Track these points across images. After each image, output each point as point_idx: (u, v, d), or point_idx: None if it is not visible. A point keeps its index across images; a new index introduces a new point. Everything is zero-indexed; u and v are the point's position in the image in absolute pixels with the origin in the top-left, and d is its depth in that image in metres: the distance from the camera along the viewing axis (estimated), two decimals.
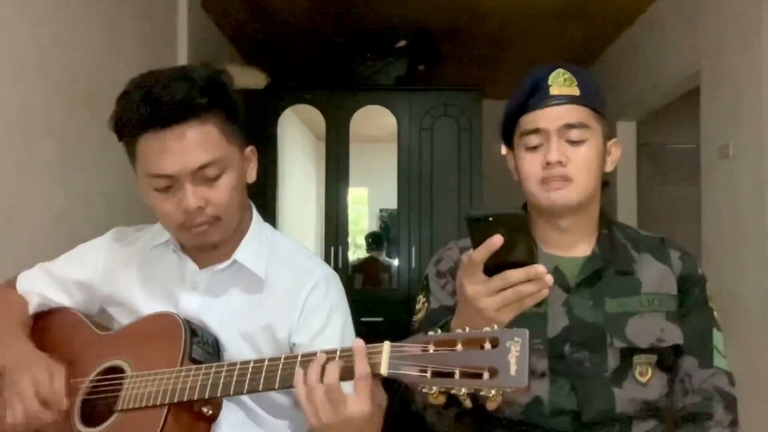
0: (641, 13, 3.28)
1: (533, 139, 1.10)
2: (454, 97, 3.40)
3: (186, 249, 1.14)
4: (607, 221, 1.18)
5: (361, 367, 0.83)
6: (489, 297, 0.84)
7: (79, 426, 1.04)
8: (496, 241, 0.81)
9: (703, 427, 1.07)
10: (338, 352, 0.87)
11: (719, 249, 2.58)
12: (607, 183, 1.16)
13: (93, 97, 2.10)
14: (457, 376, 0.75)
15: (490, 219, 0.81)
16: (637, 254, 1.15)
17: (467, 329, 0.78)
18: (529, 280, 0.82)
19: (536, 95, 1.09)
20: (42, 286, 1.21)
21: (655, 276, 1.13)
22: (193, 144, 0.99)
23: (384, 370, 0.81)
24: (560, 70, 1.10)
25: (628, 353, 1.08)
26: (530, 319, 1.07)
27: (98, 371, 1.08)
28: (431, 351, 0.78)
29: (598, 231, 1.17)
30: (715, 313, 1.16)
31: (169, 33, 2.85)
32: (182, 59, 2.91)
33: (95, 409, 1.06)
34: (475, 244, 0.83)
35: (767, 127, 2.25)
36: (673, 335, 1.10)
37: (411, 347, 0.80)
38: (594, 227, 1.17)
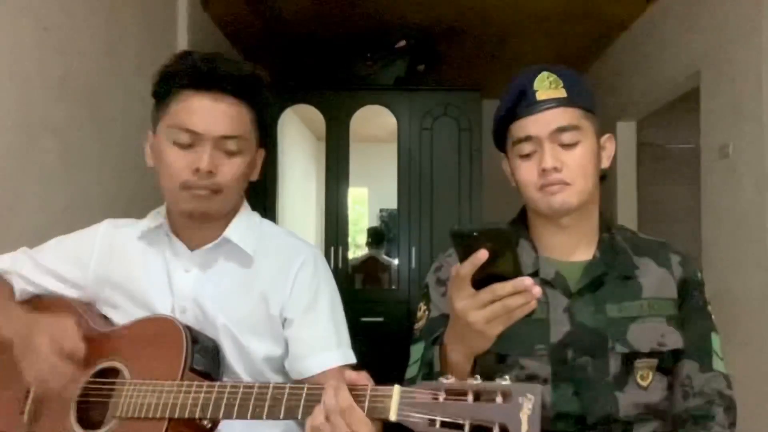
0: (641, 13, 3.28)
1: (526, 147, 1.09)
2: (454, 97, 3.41)
3: (178, 232, 1.16)
4: (606, 224, 1.18)
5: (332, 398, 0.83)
6: (478, 310, 0.84)
7: (76, 428, 1.03)
8: (481, 255, 0.81)
9: (704, 429, 1.08)
10: (368, 391, 0.86)
11: (719, 249, 2.58)
12: (604, 176, 1.16)
13: (93, 97, 2.10)
14: (467, 429, 0.74)
15: (475, 234, 0.82)
16: (638, 258, 1.15)
17: (478, 378, 0.77)
18: (517, 293, 0.82)
19: (523, 102, 1.08)
20: (33, 275, 1.20)
21: (656, 280, 1.13)
22: (228, 114, 1.08)
23: (393, 416, 0.80)
24: (545, 73, 1.09)
25: (630, 358, 1.08)
26: (532, 325, 1.07)
27: (94, 372, 1.07)
28: (441, 399, 0.77)
29: (599, 234, 1.16)
30: (713, 317, 1.16)
31: (169, 33, 2.85)
32: None
33: (90, 411, 1.05)
34: (461, 259, 0.83)
35: (767, 127, 2.25)
36: (674, 340, 1.11)
37: (421, 393, 0.79)
38: (594, 230, 1.16)
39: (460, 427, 0.75)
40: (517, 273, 0.82)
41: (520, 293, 0.82)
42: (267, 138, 1.19)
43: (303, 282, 1.15)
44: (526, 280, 0.82)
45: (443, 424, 0.76)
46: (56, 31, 1.92)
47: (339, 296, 1.21)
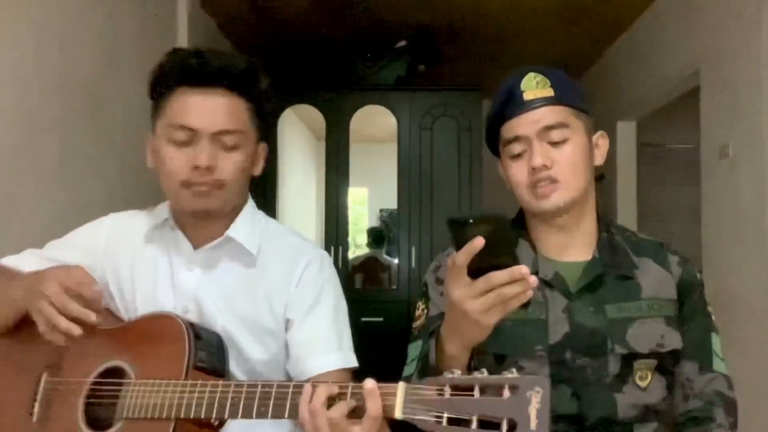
0: (641, 13, 3.28)
1: (515, 147, 1.10)
2: (454, 97, 3.41)
3: (183, 227, 1.15)
4: (605, 224, 1.18)
5: (373, 407, 0.81)
6: (474, 299, 0.83)
7: (84, 429, 1.03)
8: (477, 243, 0.80)
9: (705, 430, 1.07)
10: (350, 389, 0.85)
11: (719, 249, 2.58)
12: (602, 176, 1.15)
13: (93, 97, 2.10)
14: (474, 425, 0.72)
15: (470, 221, 0.80)
16: (637, 258, 1.14)
17: (484, 372, 0.75)
18: (514, 282, 0.81)
19: (511, 103, 1.09)
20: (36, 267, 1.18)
21: (655, 281, 1.12)
22: (224, 108, 1.07)
23: (399, 414, 0.78)
24: (531, 74, 1.10)
25: (629, 359, 1.08)
26: (531, 326, 1.06)
27: (99, 372, 1.07)
28: (447, 395, 0.75)
29: (597, 234, 1.16)
30: (713, 317, 1.16)
31: (169, 33, 2.85)
32: None
33: (98, 412, 1.04)
34: (457, 247, 0.82)
35: (767, 127, 2.25)
36: (673, 340, 1.10)
37: (426, 389, 0.77)
38: (592, 229, 1.16)
39: (467, 423, 0.72)
40: (513, 262, 0.81)
41: (517, 282, 0.81)
42: (268, 131, 1.17)
43: (307, 281, 1.14)
44: (522, 269, 0.80)
45: (450, 421, 0.73)
46: (56, 31, 1.92)
47: (344, 299, 1.19)
